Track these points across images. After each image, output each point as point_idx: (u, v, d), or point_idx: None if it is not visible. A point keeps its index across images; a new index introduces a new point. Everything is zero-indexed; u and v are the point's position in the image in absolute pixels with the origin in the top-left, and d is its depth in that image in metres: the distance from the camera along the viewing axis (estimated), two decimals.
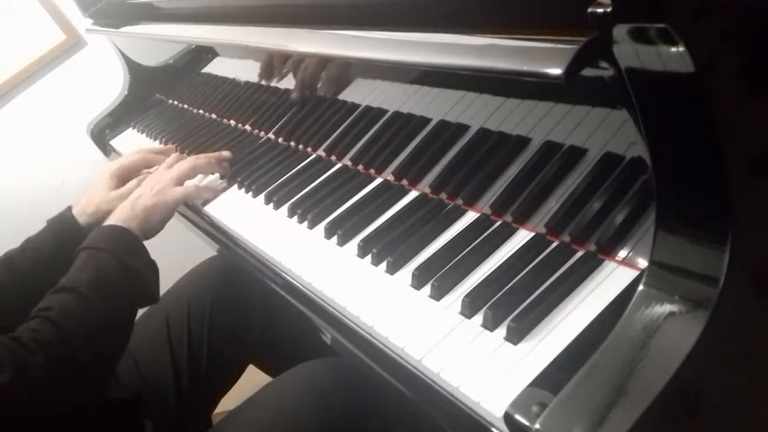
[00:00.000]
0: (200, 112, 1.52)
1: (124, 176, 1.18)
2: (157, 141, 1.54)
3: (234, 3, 1.11)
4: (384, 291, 0.74)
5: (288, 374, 0.97)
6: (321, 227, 0.89)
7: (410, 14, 0.72)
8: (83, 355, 0.80)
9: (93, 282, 0.86)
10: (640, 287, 0.54)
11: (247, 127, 1.30)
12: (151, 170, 1.20)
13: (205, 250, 1.20)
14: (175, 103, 1.67)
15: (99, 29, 1.71)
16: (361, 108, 0.96)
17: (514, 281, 0.66)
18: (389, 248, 0.78)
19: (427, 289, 0.70)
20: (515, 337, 0.60)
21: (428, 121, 0.83)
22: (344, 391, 0.92)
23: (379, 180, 0.93)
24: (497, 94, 0.71)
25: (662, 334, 0.51)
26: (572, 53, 0.50)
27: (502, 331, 0.61)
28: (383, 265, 0.77)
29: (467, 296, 0.66)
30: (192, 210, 1.15)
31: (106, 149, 1.76)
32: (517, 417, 0.53)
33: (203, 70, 1.43)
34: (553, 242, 0.68)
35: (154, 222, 1.02)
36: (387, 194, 0.89)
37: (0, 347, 0.75)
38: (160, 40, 1.46)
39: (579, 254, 0.65)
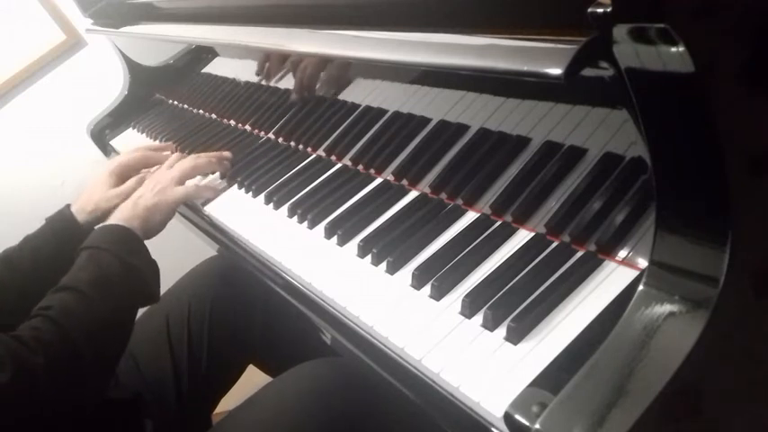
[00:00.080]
0: (200, 112, 1.52)
1: (123, 174, 1.19)
2: (157, 141, 1.54)
3: (234, 3, 1.11)
4: (384, 291, 0.74)
5: (288, 374, 0.97)
6: (321, 227, 0.89)
7: (410, 14, 0.72)
8: (84, 355, 0.80)
9: (94, 281, 0.86)
10: (640, 287, 0.54)
11: (247, 127, 1.30)
12: (151, 169, 1.20)
13: (205, 250, 1.20)
14: (175, 103, 1.67)
15: (99, 29, 1.71)
16: (361, 108, 0.96)
17: (514, 281, 0.66)
18: (389, 248, 0.78)
19: (427, 289, 0.70)
20: (515, 337, 0.60)
21: (428, 121, 0.83)
22: (344, 391, 0.92)
23: (379, 180, 0.93)
24: (497, 94, 0.71)
25: (662, 334, 0.51)
26: (572, 53, 0.50)
27: (502, 331, 0.61)
28: (383, 265, 0.77)
29: (467, 296, 0.66)
30: (192, 210, 1.15)
31: (106, 149, 1.76)
32: (517, 417, 0.53)
33: (203, 70, 1.43)
34: (553, 242, 0.68)
35: (155, 222, 1.02)
36: (387, 194, 0.89)
37: (1, 346, 0.75)
38: (160, 40, 1.46)
39: (579, 254, 0.65)
